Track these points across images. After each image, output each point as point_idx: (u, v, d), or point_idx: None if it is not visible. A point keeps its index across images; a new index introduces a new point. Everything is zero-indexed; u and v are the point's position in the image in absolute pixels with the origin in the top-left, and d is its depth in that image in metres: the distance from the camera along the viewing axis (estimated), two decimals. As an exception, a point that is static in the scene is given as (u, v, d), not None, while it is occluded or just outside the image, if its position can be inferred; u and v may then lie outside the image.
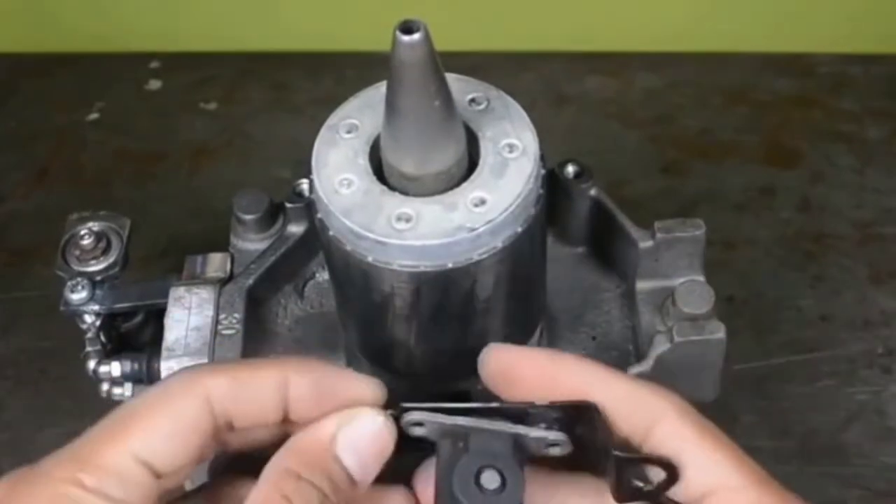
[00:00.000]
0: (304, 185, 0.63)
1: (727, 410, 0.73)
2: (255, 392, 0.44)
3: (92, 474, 0.41)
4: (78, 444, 0.42)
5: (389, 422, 0.44)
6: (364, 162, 0.49)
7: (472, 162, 0.49)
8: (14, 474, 0.42)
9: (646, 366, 0.56)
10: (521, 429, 0.44)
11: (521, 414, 0.44)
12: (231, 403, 0.43)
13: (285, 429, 0.45)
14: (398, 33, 0.43)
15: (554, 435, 0.44)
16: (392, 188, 0.48)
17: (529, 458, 0.45)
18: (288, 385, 0.44)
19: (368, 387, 0.45)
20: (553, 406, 0.44)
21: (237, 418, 0.43)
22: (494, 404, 0.45)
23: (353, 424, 0.44)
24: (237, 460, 0.46)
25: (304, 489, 0.42)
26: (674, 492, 0.43)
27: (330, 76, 0.97)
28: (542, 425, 0.44)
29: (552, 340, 0.61)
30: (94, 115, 0.96)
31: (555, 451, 0.45)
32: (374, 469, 0.44)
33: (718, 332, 0.56)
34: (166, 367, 0.56)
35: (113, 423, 0.43)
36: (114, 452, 0.41)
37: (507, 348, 0.46)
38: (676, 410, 0.44)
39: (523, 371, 0.45)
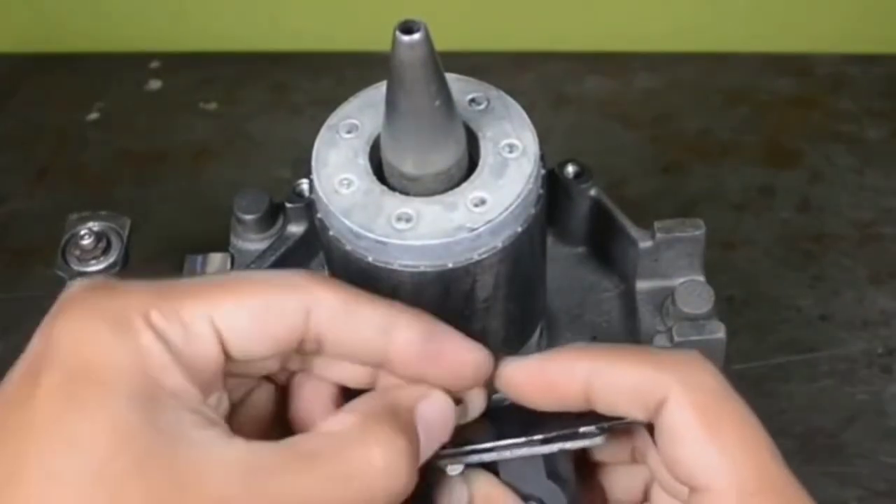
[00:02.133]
0: (304, 185, 0.63)
1: (727, 410, 0.73)
2: (359, 328, 0.42)
3: (164, 316, 0.39)
4: (170, 284, 0.41)
5: (454, 409, 0.44)
6: (364, 162, 0.49)
7: (472, 162, 0.49)
8: (96, 282, 0.41)
9: (646, 366, 0.56)
10: (545, 449, 0.45)
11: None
12: (329, 326, 0.42)
13: (372, 372, 0.44)
14: (398, 33, 0.43)
15: (575, 443, 0.45)
16: (392, 188, 0.48)
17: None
18: (394, 333, 0.42)
19: (475, 356, 0.44)
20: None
21: (329, 344, 0.42)
22: (515, 441, 0.45)
23: (431, 400, 0.43)
24: None
25: (390, 438, 0.41)
26: (673, 478, 0.43)
27: (330, 76, 0.97)
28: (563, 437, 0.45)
29: (552, 340, 0.61)
30: (94, 115, 0.96)
31: (592, 442, 0.45)
32: (434, 447, 0.44)
33: (718, 332, 0.56)
34: (166, 366, 0.56)
35: (211, 281, 0.42)
36: (195, 308, 0.40)
37: (518, 364, 0.45)
38: (680, 393, 0.42)
39: (529, 383, 0.45)
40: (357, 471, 0.39)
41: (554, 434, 0.44)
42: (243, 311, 0.41)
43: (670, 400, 0.42)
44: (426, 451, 0.43)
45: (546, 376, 0.45)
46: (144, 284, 0.41)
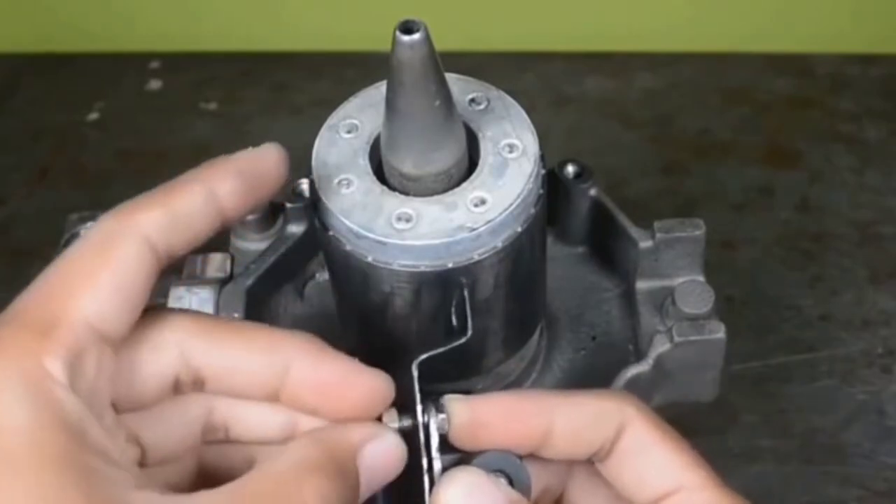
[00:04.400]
0: (304, 185, 0.63)
1: (727, 410, 0.73)
2: (188, 216, 0.41)
3: (55, 347, 0.37)
4: (22, 305, 0.39)
5: (404, 449, 0.44)
6: (364, 162, 0.49)
7: (472, 162, 0.49)
8: None
9: (646, 366, 0.56)
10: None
11: None
12: (170, 235, 0.40)
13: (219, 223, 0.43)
14: (398, 33, 0.43)
15: None
16: (392, 188, 0.48)
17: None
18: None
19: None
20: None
21: (177, 247, 0.41)
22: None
23: (378, 442, 0.43)
24: None
25: (324, 486, 0.40)
26: (632, 490, 0.44)
27: (330, 76, 0.97)
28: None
29: (552, 340, 0.61)
30: (94, 115, 0.96)
31: None
32: (376, 488, 0.43)
33: (718, 332, 0.56)
34: (166, 366, 0.56)
35: (54, 282, 0.39)
36: (68, 317, 0.37)
37: (465, 401, 0.44)
38: (640, 416, 0.44)
39: (487, 420, 0.44)
40: None
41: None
42: (103, 295, 0.39)
43: (634, 420, 0.44)
44: (366, 493, 0.42)
45: (507, 421, 0.44)
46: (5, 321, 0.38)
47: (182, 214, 0.41)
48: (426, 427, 0.44)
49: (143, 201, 0.42)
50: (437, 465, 0.43)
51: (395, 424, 0.44)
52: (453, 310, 0.50)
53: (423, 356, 0.45)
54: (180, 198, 0.42)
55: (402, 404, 0.45)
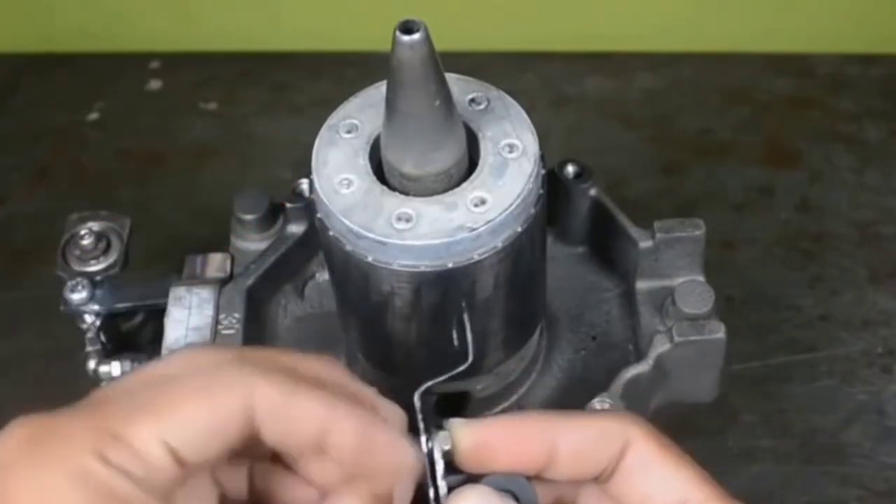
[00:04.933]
0: (304, 185, 0.63)
1: (727, 410, 0.73)
2: (298, 421, 0.42)
3: (117, 450, 0.39)
4: (104, 409, 0.41)
5: None
6: (364, 162, 0.49)
7: (472, 162, 0.49)
8: (31, 424, 0.40)
9: (646, 366, 0.56)
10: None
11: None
12: (272, 422, 0.42)
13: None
14: (398, 33, 0.43)
15: None
16: (392, 188, 0.48)
17: None
18: (331, 428, 0.42)
19: (408, 457, 0.44)
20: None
21: (271, 436, 0.42)
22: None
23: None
24: None
25: None
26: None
27: (330, 76, 0.97)
28: None
29: (552, 340, 0.61)
30: (94, 115, 0.96)
31: None
32: None
33: (718, 332, 0.56)
34: (166, 366, 0.56)
35: (147, 398, 0.41)
36: (144, 432, 0.40)
37: (469, 426, 0.45)
38: (643, 434, 0.44)
39: (491, 444, 0.44)
40: None
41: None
42: (191, 428, 0.41)
43: (637, 439, 0.44)
44: None
45: (513, 444, 0.44)
46: (83, 414, 0.41)
47: (294, 414, 0.42)
48: (430, 453, 0.44)
49: (268, 373, 0.42)
50: (443, 490, 0.44)
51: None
52: (454, 334, 0.50)
53: (424, 385, 0.45)
54: (297, 399, 0.42)
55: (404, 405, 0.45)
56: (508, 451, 0.44)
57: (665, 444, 0.45)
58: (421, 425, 0.44)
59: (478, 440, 0.44)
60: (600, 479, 0.45)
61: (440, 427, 0.44)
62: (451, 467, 0.44)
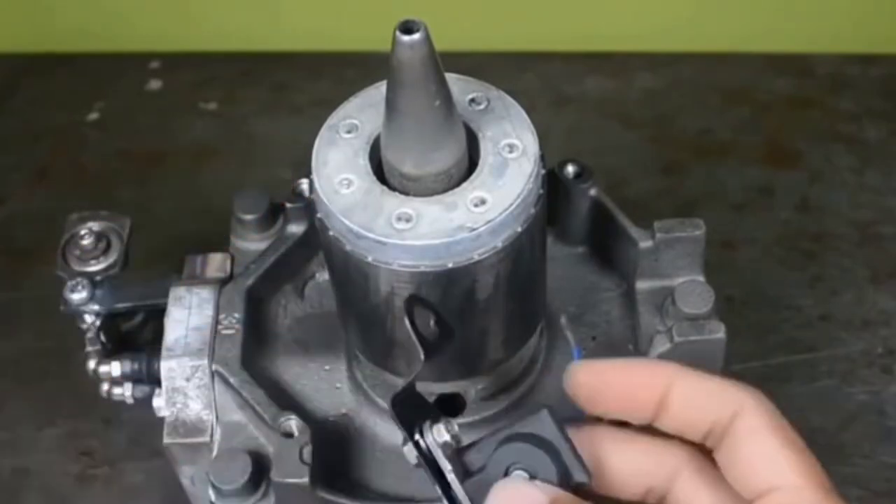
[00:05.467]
0: (304, 185, 0.63)
1: (727, 410, 0.73)
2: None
3: None
4: None
5: None
6: (364, 162, 0.49)
7: (472, 162, 0.49)
8: None
9: (646, 366, 0.56)
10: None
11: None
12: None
13: None
14: (398, 33, 0.43)
15: None
16: (392, 188, 0.48)
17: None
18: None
19: None
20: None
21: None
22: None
23: None
24: None
25: None
26: (740, 483, 0.44)
27: (330, 76, 0.97)
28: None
29: (552, 340, 0.61)
30: (94, 115, 0.96)
31: None
32: None
33: (718, 332, 0.56)
34: (166, 366, 0.56)
35: None
36: None
37: (591, 365, 0.46)
38: (755, 404, 0.44)
39: (607, 380, 0.45)
40: None
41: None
42: None
43: (750, 408, 0.44)
44: None
45: (629, 380, 0.45)
46: None
47: None
48: (429, 452, 0.44)
49: None
50: (456, 486, 0.43)
51: (414, 461, 0.44)
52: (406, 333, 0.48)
53: (396, 392, 0.45)
54: None
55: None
56: (622, 390, 0.45)
57: (777, 421, 0.44)
58: (403, 433, 0.44)
59: (595, 378, 0.45)
60: (710, 441, 0.44)
61: (433, 416, 0.44)
62: (456, 462, 0.44)
